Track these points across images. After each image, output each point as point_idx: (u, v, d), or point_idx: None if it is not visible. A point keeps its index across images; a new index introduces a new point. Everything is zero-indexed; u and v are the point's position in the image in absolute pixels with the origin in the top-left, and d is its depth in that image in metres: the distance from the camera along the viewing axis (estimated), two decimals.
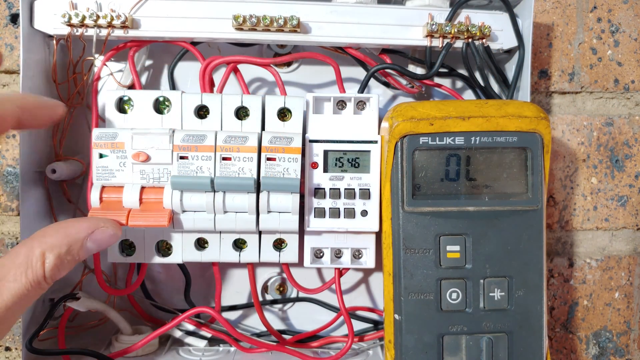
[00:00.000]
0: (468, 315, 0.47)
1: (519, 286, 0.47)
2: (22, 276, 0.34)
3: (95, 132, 0.50)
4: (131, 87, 0.56)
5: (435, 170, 0.48)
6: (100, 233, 0.41)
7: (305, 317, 0.63)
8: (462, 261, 0.47)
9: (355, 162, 0.52)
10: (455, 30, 0.54)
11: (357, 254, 0.55)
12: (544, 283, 0.48)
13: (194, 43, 0.55)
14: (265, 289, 0.62)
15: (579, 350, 0.66)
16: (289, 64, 0.61)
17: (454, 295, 0.47)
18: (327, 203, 0.52)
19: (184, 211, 0.50)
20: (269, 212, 0.51)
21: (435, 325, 0.47)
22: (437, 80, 0.60)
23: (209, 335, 0.59)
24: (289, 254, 0.54)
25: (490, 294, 0.47)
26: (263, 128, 0.53)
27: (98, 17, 0.51)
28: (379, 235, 0.53)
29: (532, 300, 0.48)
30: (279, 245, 0.54)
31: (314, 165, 0.52)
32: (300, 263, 0.54)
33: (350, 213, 0.52)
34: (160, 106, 0.52)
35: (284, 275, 0.61)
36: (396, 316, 0.48)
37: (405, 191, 0.47)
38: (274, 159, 0.50)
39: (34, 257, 0.35)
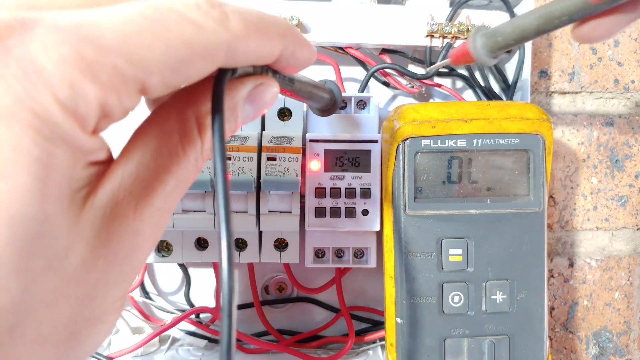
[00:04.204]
0: (470, 319, 0.47)
1: (520, 289, 0.47)
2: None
3: None
4: None
5: (437, 173, 0.48)
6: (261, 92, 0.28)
7: (305, 317, 0.63)
8: (464, 264, 0.47)
9: (356, 161, 0.52)
10: (456, 30, 0.54)
11: (358, 254, 0.55)
12: (545, 285, 0.48)
13: None
14: (265, 288, 0.62)
15: (579, 350, 0.66)
16: None
17: (456, 299, 0.47)
18: (327, 202, 0.52)
19: (184, 211, 0.50)
20: (269, 211, 0.51)
21: (437, 329, 0.47)
22: (437, 80, 0.60)
23: (209, 335, 0.59)
24: (290, 254, 0.54)
25: (492, 297, 0.47)
26: (263, 128, 0.53)
27: None
28: (380, 234, 0.53)
29: (534, 303, 0.48)
30: (279, 245, 0.54)
31: (315, 165, 0.52)
32: (301, 263, 0.54)
33: (351, 212, 0.52)
34: None
35: (285, 275, 0.61)
36: (398, 319, 0.48)
37: (407, 194, 0.47)
38: (274, 159, 0.50)
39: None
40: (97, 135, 0.20)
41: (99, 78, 0.19)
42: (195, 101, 0.24)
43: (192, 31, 0.20)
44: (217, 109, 0.22)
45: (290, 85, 0.33)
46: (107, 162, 0.22)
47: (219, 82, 0.23)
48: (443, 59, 0.54)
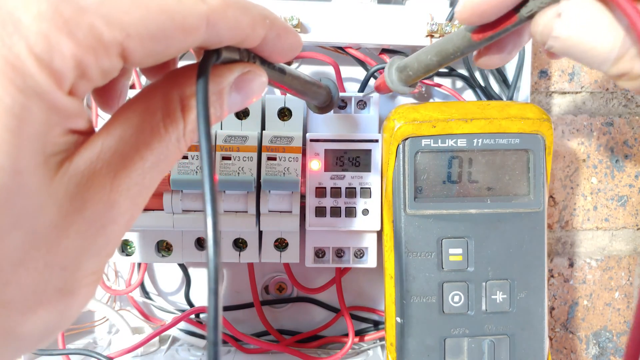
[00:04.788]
0: (470, 318, 0.47)
1: (520, 288, 0.47)
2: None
3: None
4: (131, 87, 0.56)
5: (438, 173, 0.48)
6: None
7: (305, 317, 0.63)
8: (464, 264, 0.47)
9: (356, 160, 0.52)
10: (456, 30, 0.54)
11: (358, 253, 0.55)
12: (545, 285, 0.48)
13: None
14: (265, 288, 0.62)
15: (579, 350, 0.66)
16: (289, 64, 0.61)
17: (456, 298, 0.47)
18: (328, 202, 0.52)
19: (184, 211, 0.50)
20: (269, 211, 0.51)
21: (438, 328, 0.47)
22: (437, 80, 0.60)
23: None
24: (290, 254, 0.54)
25: (492, 297, 0.47)
26: (263, 128, 0.53)
27: None
28: (380, 234, 0.53)
29: (534, 302, 0.48)
30: (279, 245, 0.54)
31: (315, 165, 0.52)
32: (301, 263, 0.54)
33: (351, 212, 0.52)
34: None
35: (285, 275, 0.61)
36: (398, 319, 0.48)
37: (407, 194, 0.47)
38: (274, 159, 0.50)
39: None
40: (76, 99, 0.21)
41: (75, 35, 0.19)
42: (181, 83, 0.24)
43: (170, 1, 0.21)
44: (201, 89, 0.23)
45: (281, 77, 0.33)
46: (88, 133, 0.22)
47: (204, 63, 0.24)
48: None
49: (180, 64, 0.28)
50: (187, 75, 0.25)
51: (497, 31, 0.30)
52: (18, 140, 0.18)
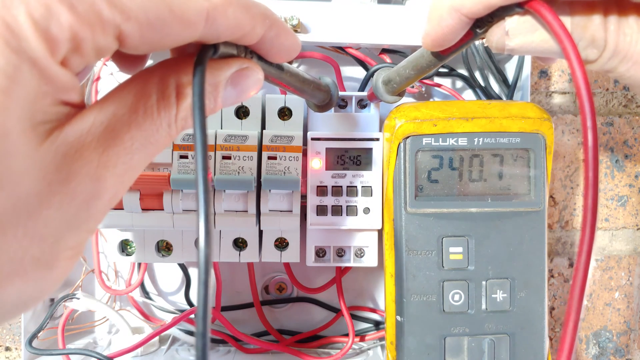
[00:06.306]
0: (470, 317, 0.47)
1: (520, 287, 0.47)
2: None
3: None
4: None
5: (438, 171, 0.48)
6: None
7: (305, 317, 0.63)
8: (465, 263, 0.47)
9: (357, 159, 0.52)
10: None
11: (359, 253, 0.55)
12: (546, 284, 0.48)
13: None
14: (265, 288, 0.62)
15: (579, 350, 0.66)
16: (289, 63, 0.61)
17: (457, 297, 0.47)
18: (329, 200, 0.52)
19: (184, 211, 0.50)
20: (270, 211, 0.51)
21: (438, 327, 0.47)
22: (437, 80, 0.60)
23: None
24: (291, 253, 0.54)
25: (493, 296, 0.47)
26: (263, 127, 0.53)
27: None
28: (381, 233, 0.53)
29: (534, 301, 0.48)
30: (280, 244, 0.54)
31: (316, 163, 0.52)
32: (301, 262, 0.54)
33: (352, 211, 0.52)
34: None
35: (285, 274, 0.61)
36: (398, 318, 0.48)
37: (407, 192, 0.47)
38: (274, 158, 0.50)
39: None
40: (68, 72, 0.21)
41: (76, 8, 0.19)
42: (179, 70, 0.25)
43: None
44: (198, 81, 0.24)
45: (279, 74, 0.34)
46: (79, 107, 0.22)
47: (201, 56, 0.24)
48: None
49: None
50: (185, 64, 0.25)
51: (459, 46, 0.33)
52: (8, 100, 0.19)
